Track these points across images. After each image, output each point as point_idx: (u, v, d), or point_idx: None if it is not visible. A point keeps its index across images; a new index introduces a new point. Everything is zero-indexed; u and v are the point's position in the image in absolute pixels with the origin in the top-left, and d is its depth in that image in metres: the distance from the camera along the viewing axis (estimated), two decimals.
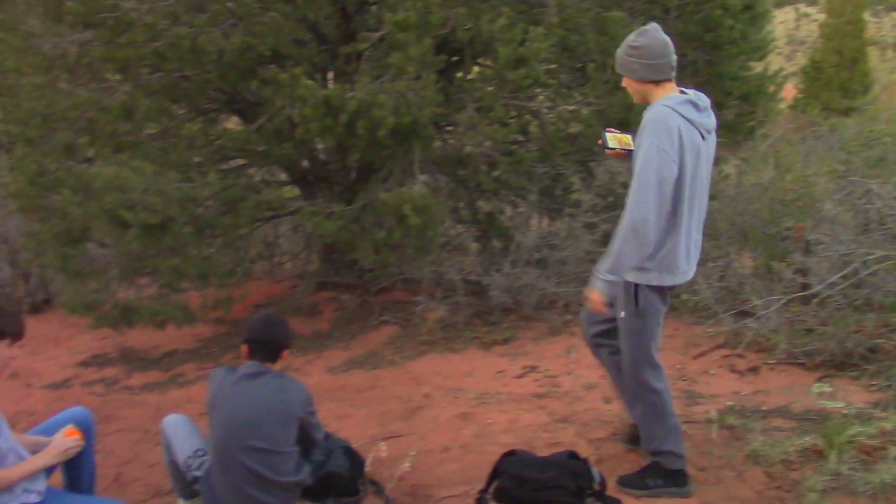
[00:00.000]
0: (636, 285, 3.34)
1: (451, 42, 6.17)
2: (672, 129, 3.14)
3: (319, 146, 7.29)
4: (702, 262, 6.22)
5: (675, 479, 3.52)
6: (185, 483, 3.61)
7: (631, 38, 3.27)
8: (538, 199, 6.63)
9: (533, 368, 5.39)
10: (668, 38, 3.25)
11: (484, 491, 3.41)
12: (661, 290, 3.39)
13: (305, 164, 7.40)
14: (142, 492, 4.67)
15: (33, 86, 6.38)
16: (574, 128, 6.60)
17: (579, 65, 6.37)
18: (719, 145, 6.87)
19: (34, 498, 3.41)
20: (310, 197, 7.07)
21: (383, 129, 5.54)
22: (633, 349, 3.50)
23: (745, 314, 5.58)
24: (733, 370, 5.08)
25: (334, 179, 7.16)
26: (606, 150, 3.57)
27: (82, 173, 6.07)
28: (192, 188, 5.91)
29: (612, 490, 3.48)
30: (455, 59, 6.50)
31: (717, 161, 7.19)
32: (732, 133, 7.10)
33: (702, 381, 4.94)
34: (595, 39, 5.93)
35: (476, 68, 6.80)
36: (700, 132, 3.24)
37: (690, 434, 4.12)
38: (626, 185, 6.73)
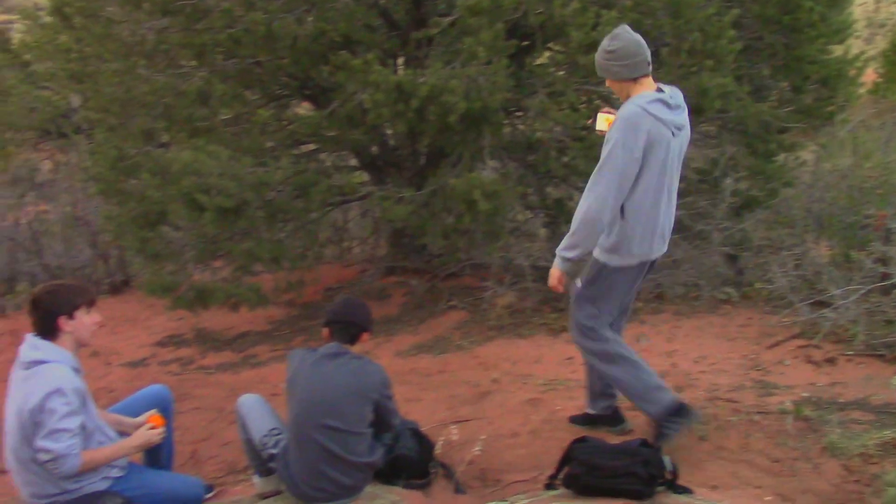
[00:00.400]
0: (600, 263, 3.69)
1: (522, 27, 6.12)
2: (639, 126, 3.41)
3: (389, 132, 7.32)
4: (748, 248, 6.16)
5: (679, 411, 3.77)
6: (260, 461, 3.70)
7: (606, 44, 3.52)
8: None
9: None
10: (639, 38, 3.50)
11: (553, 477, 3.40)
12: (622, 270, 3.69)
13: (375, 149, 7.44)
14: (217, 469, 4.79)
15: (113, 72, 6.54)
16: None
17: (652, 49, 6.26)
18: (797, 130, 6.78)
19: (117, 472, 3.54)
20: (379, 182, 7.11)
21: (454, 115, 5.54)
22: (581, 317, 3.80)
23: (821, 304, 5.46)
24: (809, 361, 4.98)
25: (404, 165, 7.19)
26: (596, 131, 3.78)
27: (160, 158, 6.22)
28: (266, 173, 5.99)
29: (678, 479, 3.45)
30: (526, 43, 6.46)
31: (794, 147, 7.07)
32: (810, 118, 6.90)
33: (776, 372, 4.85)
34: (669, 23, 5.82)
35: (547, 53, 6.74)
36: (670, 129, 3.48)
37: (764, 425, 4.06)
38: (697, 171, 6.69)
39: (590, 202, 3.48)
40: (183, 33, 6.33)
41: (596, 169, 3.48)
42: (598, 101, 6.78)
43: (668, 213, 3.70)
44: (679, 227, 6.39)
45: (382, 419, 3.57)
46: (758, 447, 3.85)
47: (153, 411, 3.79)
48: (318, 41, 6.09)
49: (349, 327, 3.58)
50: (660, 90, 3.52)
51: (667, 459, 3.27)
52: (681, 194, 6.45)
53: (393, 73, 5.84)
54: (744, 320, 5.74)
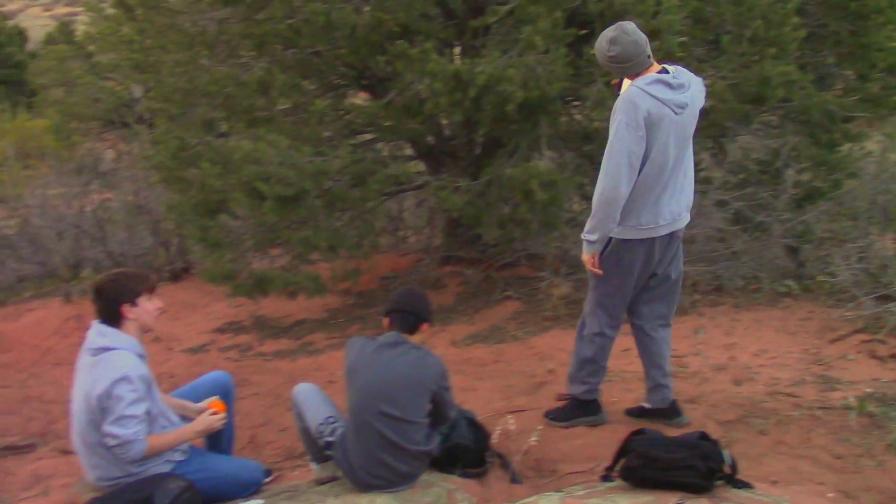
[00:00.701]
0: (609, 237, 3.79)
1: (580, 14, 6.06)
2: (638, 105, 3.54)
3: (444, 121, 7.33)
4: (810, 240, 6.05)
5: (589, 408, 4.20)
6: (317, 449, 3.74)
7: (606, 47, 3.63)
8: None
9: None
10: (637, 37, 3.58)
11: (610, 468, 3.38)
12: (627, 245, 3.80)
13: (431, 139, 7.45)
14: (275, 454, 4.86)
15: (175, 62, 6.65)
16: (706, 102, 6.39)
17: (712, 37, 6.16)
18: (862, 120, 6.61)
19: (179, 456, 3.63)
20: (435, 172, 7.12)
21: (511, 104, 5.51)
22: (596, 294, 3.99)
23: (887, 298, 5.34)
24: (873, 356, 4.87)
25: (460, 154, 7.18)
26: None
27: (220, 147, 6.31)
28: (324, 162, 6.04)
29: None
30: (584, 32, 6.40)
31: (859, 137, 6.91)
32: (876, 107, 6.72)
33: (838, 367, 4.76)
34: (731, 10, 5.72)
35: None
36: (671, 108, 3.57)
37: (826, 420, 4.00)
38: (759, 162, 6.58)
39: (604, 184, 3.63)
40: (244, 23, 6.41)
41: (605, 150, 3.63)
42: None
43: (679, 189, 3.78)
44: (739, 219, 6.31)
45: (439, 411, 3.59)
46: (820, 443, 3.79)
47: (215, 398, 3.87)
48: (376, 31, 6.11)
49: (409, 317, 3.60)
50: (664, 70, 3.64)
51: (726, 453, 3.23)
52: (740, 185, 6.43)
53: (450, 63, 5.83)
54: (805, 314, 5.64)
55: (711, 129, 6.42)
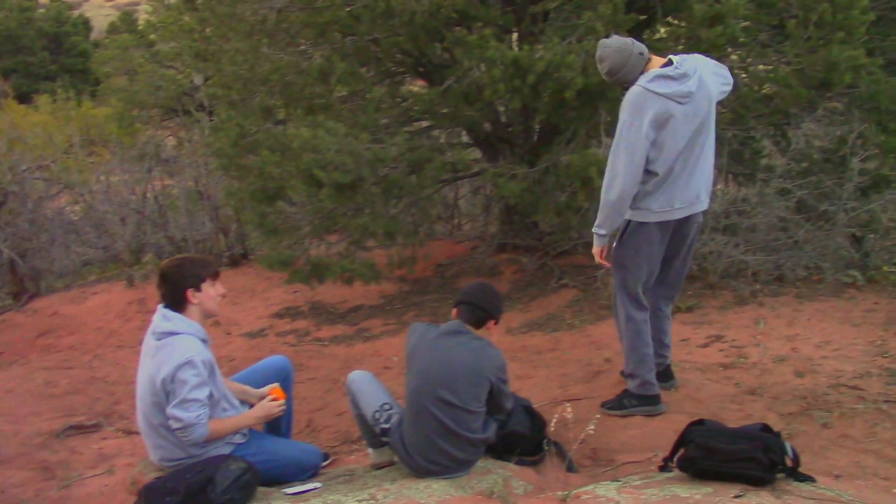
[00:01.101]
0: (625, 220, 3.95)
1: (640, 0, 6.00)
2: (643, 106, 3.70)
3: (501, 108, 7.30)
4: (876, 230, 5.90)
5: (648, 400, 4.18)
6: (373, 435, 3.78)
7: (600, 69, 3.91)
8: (726, 163, 6.38)
9: (718, 338, 5.24)
10: (620, 44, 3.82)
11: (669, 459, 3.35)
12: (642, 228, 3.95)
13: (488, 126, 7.44)
14: (332, 438, 4.92)
15: (236, 50, 6.73)
16: (769, 88, 6.27)
17: (777, 21, 6.03)
18: None
19: (239, 439, 3.70)
20: (492, 159, 7.11)
21: (570, 91, 5.47)
22: (618, 278, 4.11)
23: None
24: None
25: (516, 141, 7.16)
26: None
27: (279, 134, 6.37)
28: (381, 149, 6.06)
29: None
30: (644, 17, 6.32)
31: None
32: None
33: None
34: None
35: (662, 28, 6.57)
36: (675, 101, 3.71)
37: (892, 414, 3.90)
38: (822, 150, 6.43)
39: (608, 181, 3.83)
40: (304, 12, 6.46)
41: (611, 148, 3.82)
42: None
43: (694, 174, 3.90)
44: (802, 208, 6.18)
45: (496, 402, 3.59)
46: (886, 437, 3.71)
47: (275, 385, 3.92)
48: (434, 17, 6.10)
49: (478, 311, 3.61)
50: (668, 63, 3.78)
51: (788, 445, 3.17)
52: (803, 174, 6.29)
53: (509, 49, 5.80)
54: (870, 305, 5.50)
55: (774, 116, 6.30)
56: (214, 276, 3.70)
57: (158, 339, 3.55)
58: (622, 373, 4.49)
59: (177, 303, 3.62)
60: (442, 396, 3.41)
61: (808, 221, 6.15)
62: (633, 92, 3.75)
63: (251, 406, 3.81)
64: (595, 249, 4.02)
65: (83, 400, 5.98)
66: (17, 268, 8.92)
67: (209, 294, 3.66)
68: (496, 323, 3.70)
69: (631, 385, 4.22)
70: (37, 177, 10.32)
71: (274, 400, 3.80)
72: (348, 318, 7.21)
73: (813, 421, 3.93)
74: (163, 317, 3.60)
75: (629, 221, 3.95)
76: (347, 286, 7.05)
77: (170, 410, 3.44)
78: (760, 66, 6.22)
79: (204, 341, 3.60)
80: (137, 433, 4.41)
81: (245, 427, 3.74)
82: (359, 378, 3.86)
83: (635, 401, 4.20)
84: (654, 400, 4.19)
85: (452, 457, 3.46)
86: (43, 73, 31.75)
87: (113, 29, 32.98)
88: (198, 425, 3.44)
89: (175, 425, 3.44)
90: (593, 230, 3.97)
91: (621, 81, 3.87)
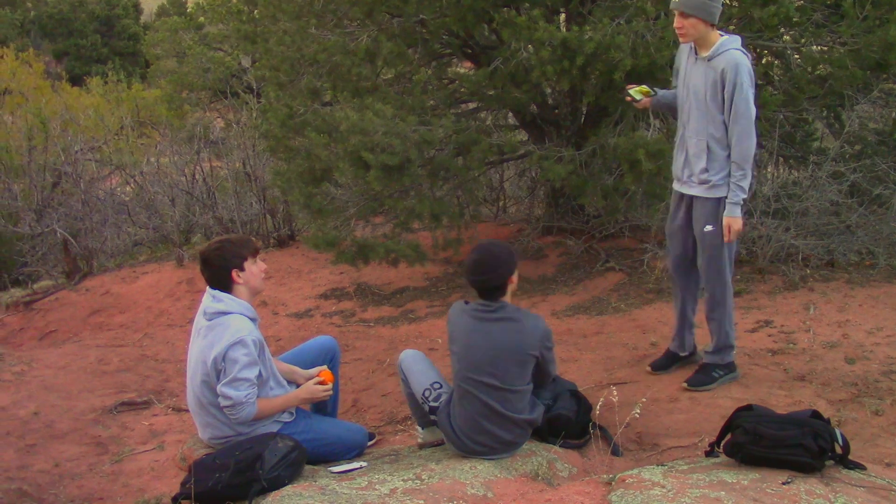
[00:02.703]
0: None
1: None
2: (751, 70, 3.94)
3: (548, 90, 7.25)
4: None
5: (731, 368, 4.33)
6: (422, 413, 3.81)
7: None
8: (777, 145, 6.27)
9: (767, 323, 5.17)
10: None
11: (715, 444, 3.33)
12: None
13: (534, 108, 7.39)
14: (377, 418, 4.97)
15: (284, 32, 6.75)
16: (823, 69, 6.14)
17: (832, 0, 5.89)
18: None
19: (287, 417, 3.76)
20: (538, 141, 7.06)
21: (619, 72, 5.41)
22: (728, 251, 4.17)
23: None
24: None
25: (563, 123, 7.10)
26: (635, 104, 4.31)
27: (327, 116, 6.40)
28: (428, 131, 6.05)
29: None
30: None
31: None
32: None
33: None
34: None
35: None
36: None
37: None
38: (877, 133, 6.29)
39: (750, 142, 3.93)
40: None
41: (739, 112, 3.88)
42: (768, 57, 6.48)
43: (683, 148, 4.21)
44: (854, 192, 6.06)
45: (542, 370, 3.59)
46: None
47: (324, 367, 3.97)
48: None
49: (487, 283, 3.53)
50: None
51: (838, 432, 3.13)
52: (857, 157, 6.17)
53: (558, 30, 5.75)
54: None
55: (828, 98, 6.16)
56: (255, 253, 3.76)
57: (210, 319, 3.61)
58: (651, 365, 4.65)
59: (224, 285, 3.68)
60: (485, 381, 3.42)
61: (861, 206, 6.03)
62: (745, 59, 3.87)
63: (298, 386, 3.86)
64: (740, 221, 4.02)
65: (134, 377, 6.10)
66: (70, 247, 9.10)
67: (253, 272, 3.72)
68: (515, 275, 3.58)
69: (716, 358, 4.33)
70: (89, 158, 10.52)
71: (321, 383, 3.84)
72: (393, 299, 7.24)
73: (864, 408, 3.87)
74: (212, 297, 3.66)
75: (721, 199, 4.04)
76: (393, 267, 7.08)
77: (220, 388, 3.50)
78: (815, 47, 6.09)
79: (254, 320, 3.66)
80: (186, 410, 4.50)
81: (291, 407, 3.79)
82: (410, 357, 3.89)
83: (721, 371, 4.31)
84: (734, 366, 4.36)
85: (499, 438, 3.48)
86: (94, 56, 32.18)
87: (162, 11, 33.31)
88: (246, 404, 3.50)
89: (224, 403, 3.51)
90: (741, 199, 3.97)
91: (712, 10, 3.89)
